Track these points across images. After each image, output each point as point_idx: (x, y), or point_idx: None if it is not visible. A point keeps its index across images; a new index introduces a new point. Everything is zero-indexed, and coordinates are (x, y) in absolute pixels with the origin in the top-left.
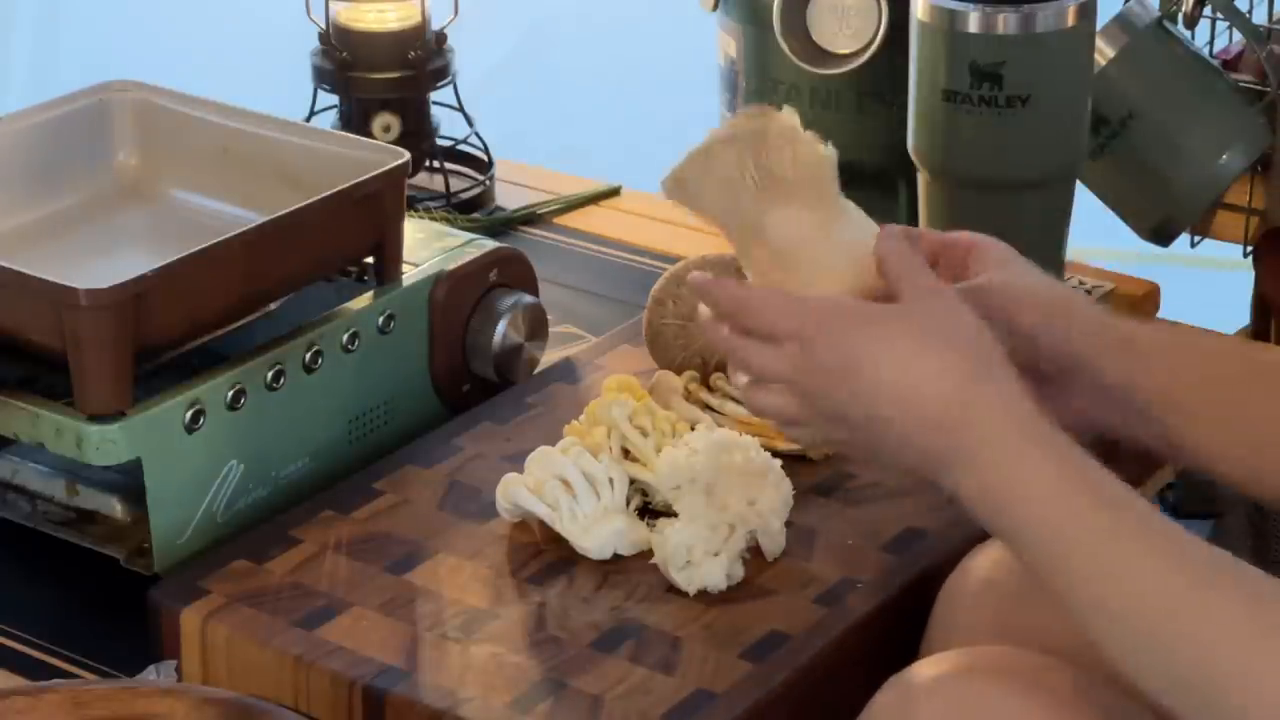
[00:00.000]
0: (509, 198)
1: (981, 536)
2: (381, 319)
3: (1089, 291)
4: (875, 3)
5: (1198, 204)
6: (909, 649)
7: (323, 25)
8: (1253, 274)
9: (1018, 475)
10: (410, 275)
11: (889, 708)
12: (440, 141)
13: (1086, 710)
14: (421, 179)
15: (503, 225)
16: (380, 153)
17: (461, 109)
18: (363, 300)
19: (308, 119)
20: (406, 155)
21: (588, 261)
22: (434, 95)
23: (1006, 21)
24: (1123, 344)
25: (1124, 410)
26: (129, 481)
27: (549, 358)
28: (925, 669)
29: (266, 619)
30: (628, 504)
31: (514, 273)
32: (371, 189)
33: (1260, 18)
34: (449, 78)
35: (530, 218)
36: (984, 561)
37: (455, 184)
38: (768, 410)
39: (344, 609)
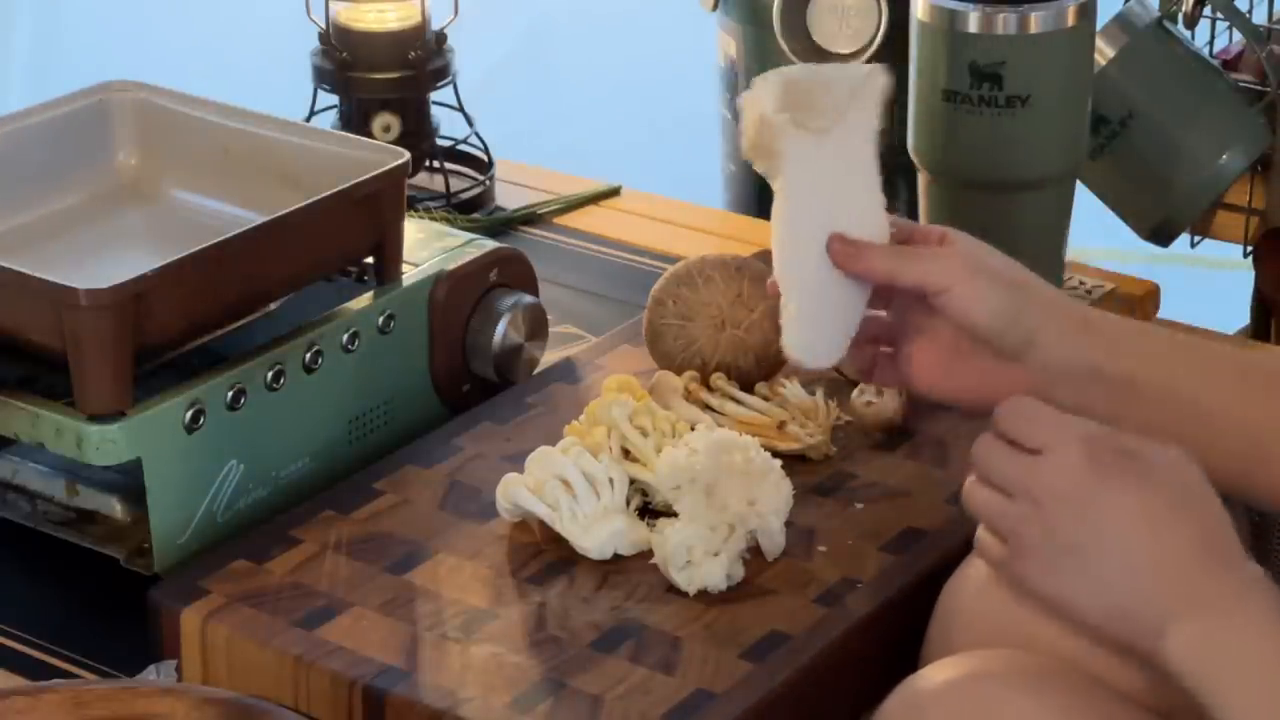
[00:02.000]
0: (509, 198)
1: None
2: (381, 319)
3: (1089, 291)
4: (875, 3)
5: (1198, 204)
6: (909, 649)
7: (323, 25)
8: (1253, 274)
9: (1243, 636)
10: (410, 275)
11: (898, 713)
12: (440, 141)
13: (1092, 713)
14: (421, 179)
15: (503, 225)
16: (380, 153)
17: (461, 109)
18: (363, 300)
19: (308, 119)
20: (406, 155)
21: (588, 261)
22: (434, 95)
23: (1006, 21)
24: (1082, 326)
25: (1081, 390)
26: (129, 481)
27: (549, 358)
28: (934, 673)
29: (266, 619)
30: (628, 504)
31: (514, 273)
32: (371, 189)
33: (1260, 18)
34: (449, 78)
35: (530, 218)
36: (984, 564)
37: (455, 184)
38: (989, 511)
39: (344, 609)
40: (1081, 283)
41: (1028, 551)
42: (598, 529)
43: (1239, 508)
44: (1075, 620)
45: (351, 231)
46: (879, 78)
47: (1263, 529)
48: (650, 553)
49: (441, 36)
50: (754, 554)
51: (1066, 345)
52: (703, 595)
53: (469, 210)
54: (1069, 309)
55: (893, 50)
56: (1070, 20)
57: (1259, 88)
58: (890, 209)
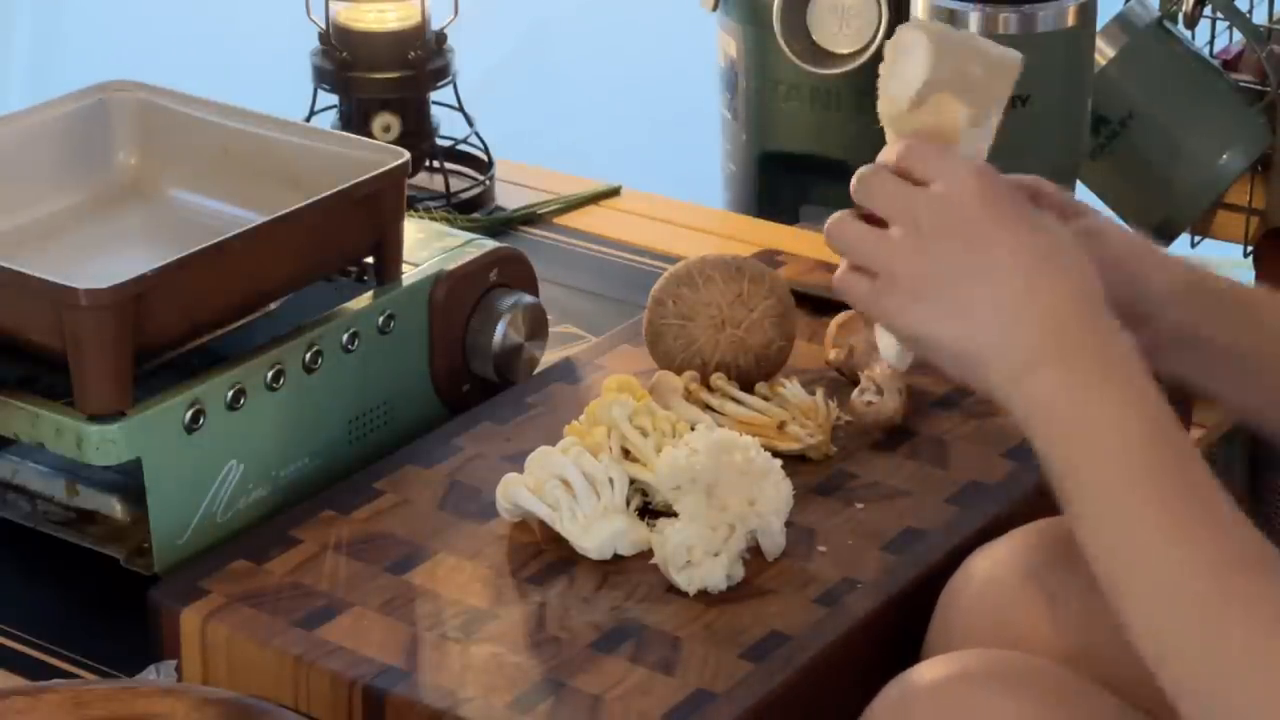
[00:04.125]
0: (509, 198)
1: (982, 537)
2: (381, 319)
3: None
4: (875, 3)
5: (1198, 204)
6: (909, 649)
7: (323, 25)
8: (1253, 274)
9: (1101, 394)
10: (410, 275)
11: (887, 711)
12: (440, 141)
13: (1083, 714)
14: (421, 179)
15: (503, 225)
16: (380, 153)
17: (461, 109)
18: (363, 300)
19: (308, 119)
20: (406, 155)
21: (588, 261)
22: (434, 95)
23: (1006, 21)
24: (1190, 288)
25: (1192, 360)
26: (129, 481)
27: (549, 358)
28: (922, 673)
29: (266, 619)
30: (628, 504)
31: (514, 273)
32: (371, 189)
33: (1260, 18)
34: (449, 78)
35: (530, 218)
36: (985, 563)
37: (455, 184)
38: (863, 242)
39: (344, 609)
40: None
41: (900, 282)
42: (598, 529)
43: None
44: (935, 357)
45: (351, 231)
46: (1019, 67)
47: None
48: (650, 553)
49: (441, 36)
50: (754, 554)
51: (1178, 308)
52: (703, 595)
53: (469, 210)
54: (1179, 269)
55: None
56: (1070, 20)
57: (1259, 88)
58: None
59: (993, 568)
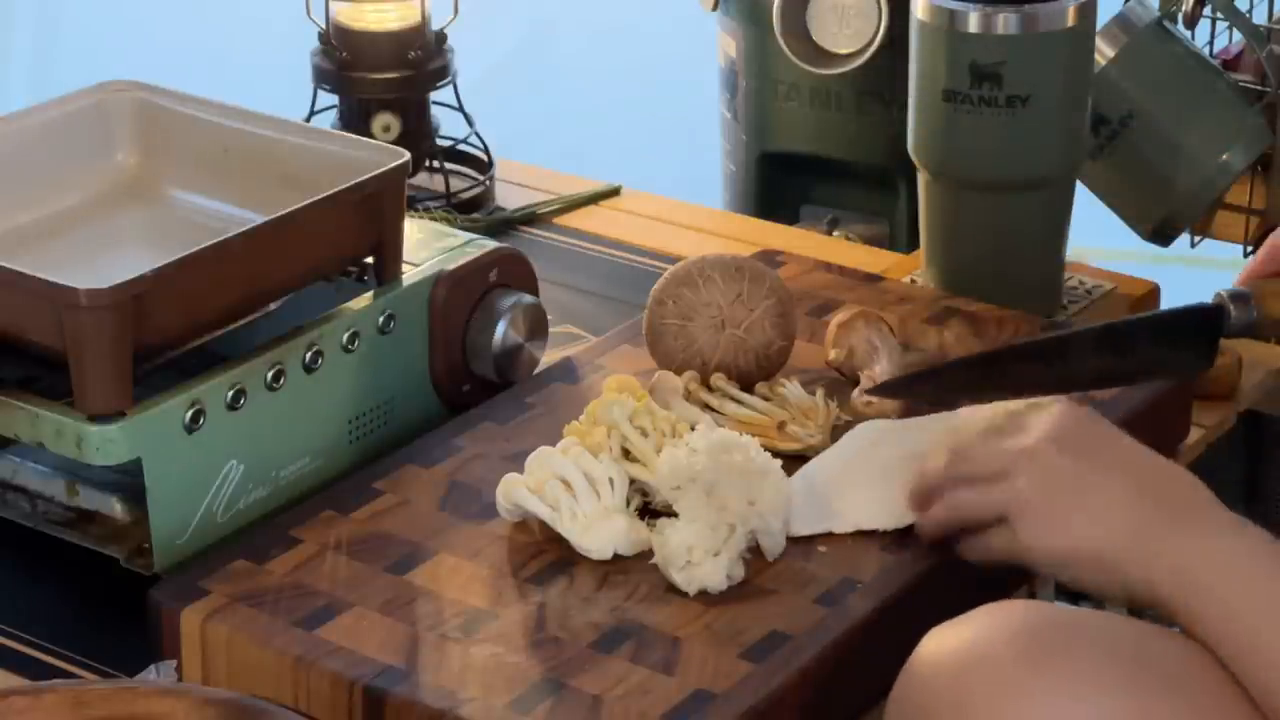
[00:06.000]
0: (509, 198)
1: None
2: (381, 319)
3: (1089, 292)
4: (875, 3)
5: (1198, 204)
6: (909, 651)
7: (323, 25)
8: None
9: (1237, 546)
10: (410, 275)
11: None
12: (440, 141)
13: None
14: (421, 179)
15: (503, 225)
16: (380, 153)
17: (461, 109)
18: (363, 300)
19: (308, 119)
20: (406, 155)
21: (588, 261)
22: (434, 95)
23: (1006, 21)
24: None
25: None
26: (129, 481)
27: (549, 358)
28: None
29: (266, 619)
30: (628, 504)
31: (514, 273)
32: (371, 189)
33: (1260, 18)
34: (449, 78)
35: (530, 218)
36: (948, 643)
37: (455, 184)
38: (977, 500)
39: (344, 609)
40: (1081, 283)
41: (1028, 508)
42: (598, 529)
43: None
44: (1091, 561)
45: (351, 231)
46: None
47: None
48: (650, 553)
49: (441, 36)
50: (754, 554)
51: None
52: (703, 595)
53: (469, 210)
54: None
55: (893, 50)
56: (1070, 20)
57: (1259, 88)
58: (890, 209)
59: (954, 648)
